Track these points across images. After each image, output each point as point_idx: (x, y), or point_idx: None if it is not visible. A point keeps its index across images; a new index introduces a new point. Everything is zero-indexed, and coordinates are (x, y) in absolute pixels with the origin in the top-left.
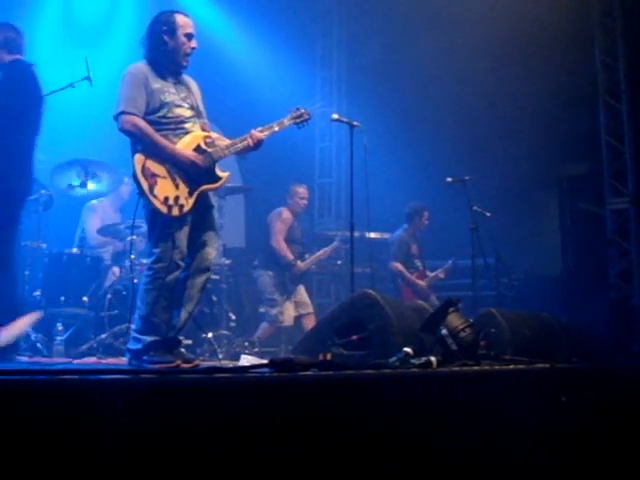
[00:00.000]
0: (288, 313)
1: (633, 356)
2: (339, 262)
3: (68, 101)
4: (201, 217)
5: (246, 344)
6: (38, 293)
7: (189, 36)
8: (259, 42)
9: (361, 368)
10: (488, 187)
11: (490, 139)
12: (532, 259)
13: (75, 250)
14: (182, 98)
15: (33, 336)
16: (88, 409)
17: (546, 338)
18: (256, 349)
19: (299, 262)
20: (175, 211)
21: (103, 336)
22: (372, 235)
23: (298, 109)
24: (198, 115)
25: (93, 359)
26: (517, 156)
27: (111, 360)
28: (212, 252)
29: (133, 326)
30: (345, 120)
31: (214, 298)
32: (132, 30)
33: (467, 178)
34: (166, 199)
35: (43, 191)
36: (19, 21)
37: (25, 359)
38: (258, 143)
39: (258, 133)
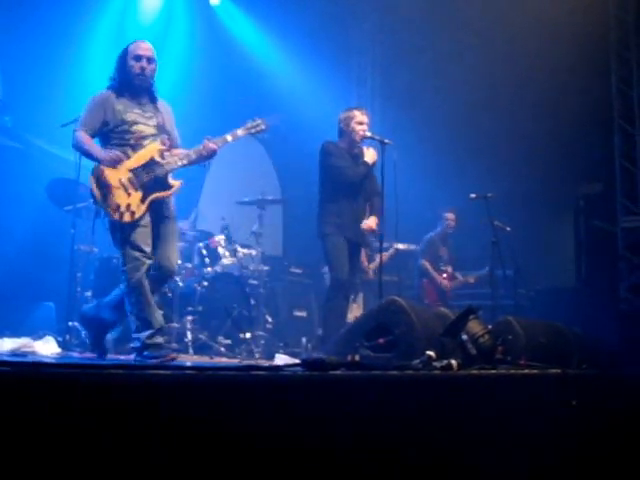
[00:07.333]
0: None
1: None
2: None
3: None
4: (157, 226)
5: (281, 344)
6: (89, 293)
7: (137, 58)
8: (299, 61)
9: (386, 369)
10: (509, 204)
11: (511, 160)
12: (548, 272)
13: None
14: (147, 117)
15: (84, 334)
16: (134, 401)
17: (559, 346)
18: (290, 349)
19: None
20: (127, 217)
21: None
22: (400, 246)
23: (254, 119)
24: (164, 133)
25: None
26: (536, 176)
27: None
28: (169, 259)
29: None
30: (377, 137)
31: (252, 301)
32: (183, 51)
33: (489, 195)
34: (118, 207)
35: None
36: (75, 40)
37: (76, 354)
38: (212, 152)
39: (211, 144)
